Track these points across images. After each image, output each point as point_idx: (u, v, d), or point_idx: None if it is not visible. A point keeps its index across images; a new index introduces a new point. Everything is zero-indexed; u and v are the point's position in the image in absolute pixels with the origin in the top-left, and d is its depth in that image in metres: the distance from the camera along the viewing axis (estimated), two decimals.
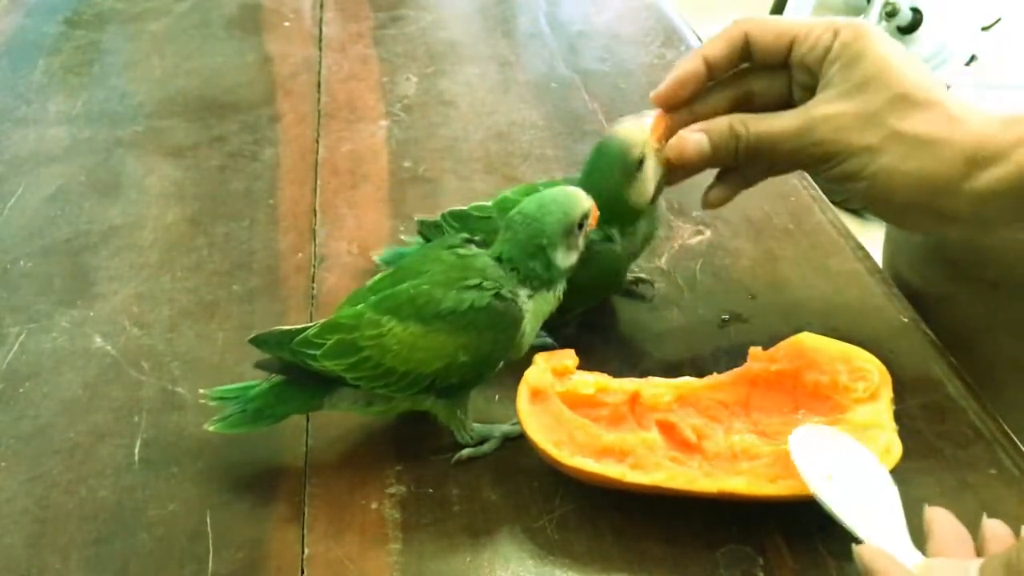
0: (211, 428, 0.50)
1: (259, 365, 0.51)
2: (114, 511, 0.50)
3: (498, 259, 0.51)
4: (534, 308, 0.51)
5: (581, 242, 0.52)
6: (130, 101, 0.92)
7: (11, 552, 0.48)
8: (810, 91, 0.54)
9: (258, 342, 0.50)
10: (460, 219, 0.60)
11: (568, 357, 0.52)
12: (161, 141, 0.85)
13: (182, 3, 1.12)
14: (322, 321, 0.50)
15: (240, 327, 0.62)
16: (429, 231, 0.62)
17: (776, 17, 0.58)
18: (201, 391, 0.52)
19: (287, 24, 1.07)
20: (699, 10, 2.05)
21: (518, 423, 0.51)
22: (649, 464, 0.47)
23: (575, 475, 0.48)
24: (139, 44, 1.04)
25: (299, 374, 0.50)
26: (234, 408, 0.51)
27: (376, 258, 0.65)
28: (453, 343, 0.48)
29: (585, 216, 0.51)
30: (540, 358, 0.52)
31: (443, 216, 0.61)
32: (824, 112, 0.52)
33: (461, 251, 0.51)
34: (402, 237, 0.69)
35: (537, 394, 0.50)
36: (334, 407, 0.51)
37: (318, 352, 0.48)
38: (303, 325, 0.50)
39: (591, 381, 0.51)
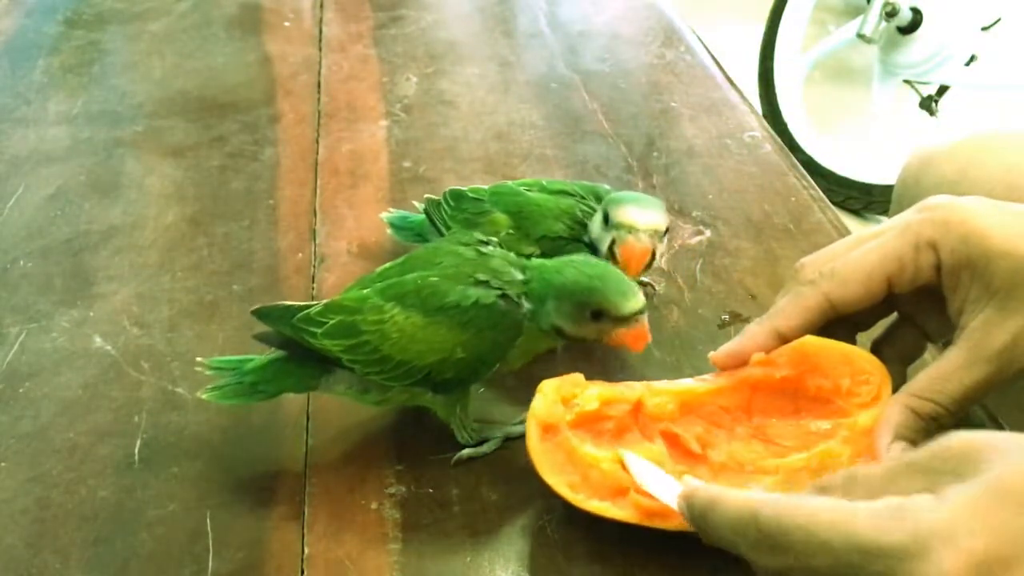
0: (204, 396, 0.50)
1: (257, 337, 0.51)
2: (114, 511, 0.50)
3: (524, 268, 0.50)
4: (527, 333, 0.50)
5: (588, 330, 0.49)
6: (130, 101, 0.92)
7: (11, 552, 0.48)
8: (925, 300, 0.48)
9: (261, 314, 0.50)
10: (456, 198, 0.63)
11: (577, 384, 0.50)
12: (161, 141, 0.85)
13: (182, 3, 1.12)
14: (326, 301, 0.50)
15: (240, 327, 0.62)
16: (432, 208, 0.64)
17: (848, 258, 0.48)
18: (199, 359, 0.52)
19: (287, 24, 1.07)
20: (699, 10, 2.05)
21: (519, 423, 0.51)
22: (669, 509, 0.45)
23: (590, 514, 0.46)
24: (139, 44, 1.04)
25: (298, 352, 0.50)
26: (229, 379, 0.51)
27: (384, 216, 0.68)
28: (452, 338, 0.48)
29: (606, 315, 0.48)
30: (547, 386, 0.49)
31: (444, 194, 0.63)
32: (1003, 340, 0.44)
33: (481, 248, 0.51)
34: (413, 203, 0.69)
35: (548, 429, 0.48)
36: (329, 390, 0.51)
37: (319, 330, 0.48)
38: (307, 303, 0.50)
39: (595, 394, 0.49)
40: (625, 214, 0.56)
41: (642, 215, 0.56)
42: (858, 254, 0.48)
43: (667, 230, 0.57)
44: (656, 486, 0.45)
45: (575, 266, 0.50)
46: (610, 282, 0.49)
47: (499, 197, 0.61)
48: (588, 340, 0.50)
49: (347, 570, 0.46)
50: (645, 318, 0.49)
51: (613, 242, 0.56)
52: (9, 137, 0.86)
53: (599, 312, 0.48)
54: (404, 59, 0.98)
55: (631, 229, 0.55)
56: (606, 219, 0.56)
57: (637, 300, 0.48)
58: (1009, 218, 0.45)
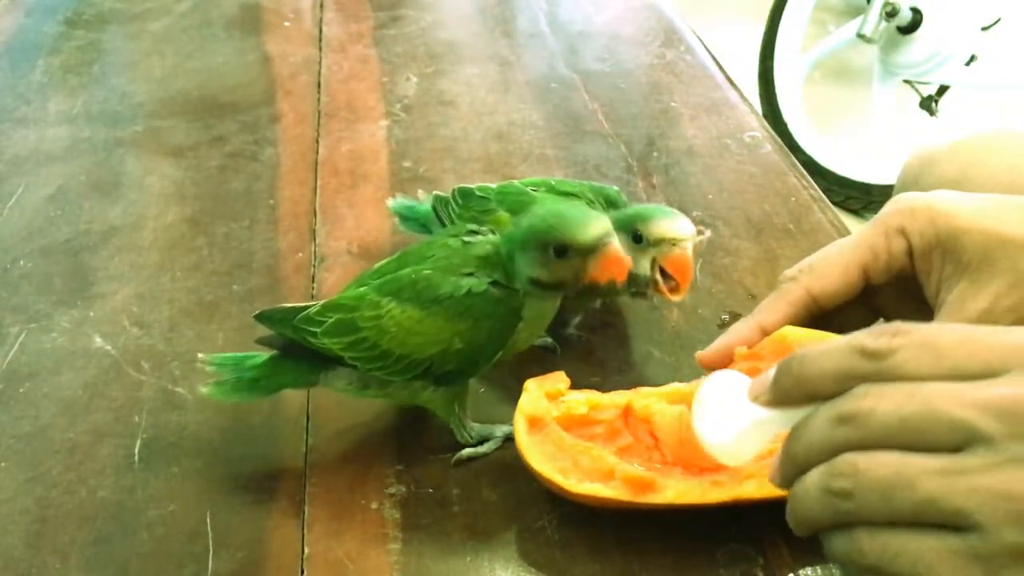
0: (205, 391, 0.51)
1: (260, 341, 0.51)
2: (114, 511, 0.50)
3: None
4: (529, 311, 0.50)
5: (560, 271, 0.48)
6: (130, 101, 0.92)
7: (11, 552, 0.48)
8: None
9: (262, 318, 0.50)
10: (464, 196, 0.62)
11: (560, 380, 0.51)
12: (161, 141, 0.85)
13: (182, 3, 1.12)
14: (324, 300, 0.50)
15: (240, 327, 0.62)
16: (440, 204, 0.63)
17: (826, 253, 0.50)
18: (200, 355, 0.52)
19: (287, 24, 1.07)
20: (699, 10, 2.05)
21: None
22: (658, 483, 0.46)
23: (584, 501, 0.47)
24: (139, 44, 1.04)
25: (299, 352, 0.50)
26: (230, 376, 0.51)
27: (389, 204, 0.67)
28: (449, 329, 0.48)
29: (569, 248, 0.47)
30: (532, 384, 0.50)
31: (452, 192, 0.63)
32: (979, 309, 0.45)
33: (467, 239, 0.51)
34: (419, 191, 0.69)
35: (535, 423, 0.48)
36: (329, 385, 0.51)
37: (318, 330, 0.49)
38: (306, 303, 0.50)
39: (582, 400, 0.50)
40: (664, 228, 0.54)
41: (680, 225, 0.54)
42: (834, 248, 0.50)
43: None
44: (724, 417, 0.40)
45: (532, 213, 0.50)
46: (565, 216, 0.48)
47: (504, 196, 0.61)
48: (569, 284, 0.49)
49: (347, 570, 0.46)
50: (614, 241, 0.48)
51: (653, 260, 0.54)
52: (9, 137, 0.86)
53: (562, 248, 0.47)
54: (404, 59, 0.98)
55: (675, 242, 0.54)
56: (636, 238, 0.54)
57: (596, 226, 0.48)
58: (972, 199, 0.48)
